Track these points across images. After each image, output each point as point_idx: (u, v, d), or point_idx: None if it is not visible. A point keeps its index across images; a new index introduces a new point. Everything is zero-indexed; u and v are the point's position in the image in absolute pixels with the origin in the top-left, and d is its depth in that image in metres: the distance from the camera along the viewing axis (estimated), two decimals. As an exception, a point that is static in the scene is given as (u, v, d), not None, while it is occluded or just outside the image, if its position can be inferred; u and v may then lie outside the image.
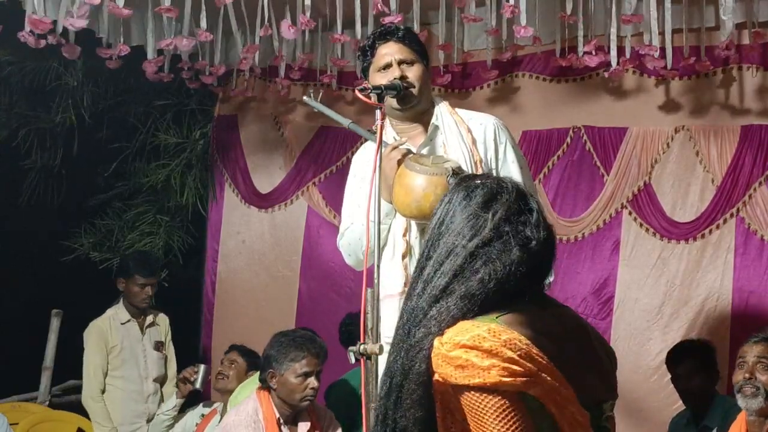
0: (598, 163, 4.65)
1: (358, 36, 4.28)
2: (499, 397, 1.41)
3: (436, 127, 2.87)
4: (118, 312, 4.65)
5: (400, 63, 2.83)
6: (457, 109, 2.94)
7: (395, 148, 2.71)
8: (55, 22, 4.12)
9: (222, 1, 4.04)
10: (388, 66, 2.84)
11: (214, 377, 4.44)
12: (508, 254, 1.54)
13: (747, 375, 3.07)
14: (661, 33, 4.20)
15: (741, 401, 3.09)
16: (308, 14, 4.07)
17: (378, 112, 2.68)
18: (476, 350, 1.42)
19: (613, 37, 4.26)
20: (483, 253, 1.54)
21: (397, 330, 1.56)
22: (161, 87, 5.39)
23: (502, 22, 4.31)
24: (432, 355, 1.45)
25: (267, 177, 5.56)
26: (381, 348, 2.43)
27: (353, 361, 2.46)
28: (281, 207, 5.50)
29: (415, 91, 2.83)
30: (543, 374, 1.45)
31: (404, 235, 2.80)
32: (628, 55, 4.34)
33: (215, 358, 5.43)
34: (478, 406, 1.40)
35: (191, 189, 5.64)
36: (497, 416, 1.40)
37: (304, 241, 5.40)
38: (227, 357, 4.40)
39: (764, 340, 3.14)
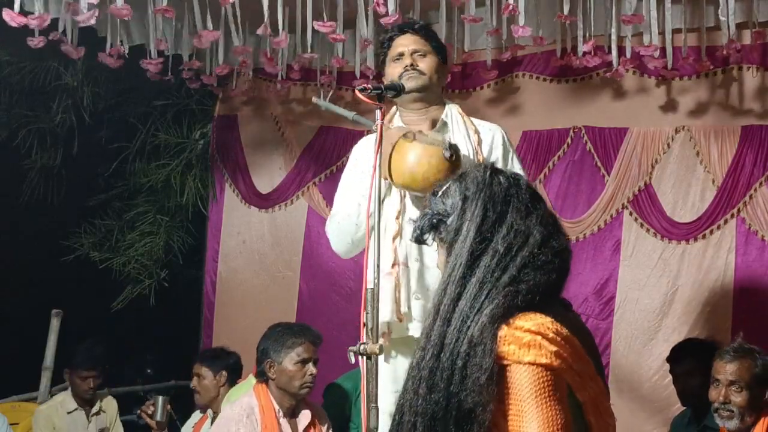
0: (599, 164, 4.65)
1: (358, 36, 4.28)
2: (554, 376, 1.58)
3: (445, 123, 2.92)
4: (65, 400, 4.62)
5: (413, 53, 2.91)
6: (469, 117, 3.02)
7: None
8: (56, 20, 4.12)
9: (226, 0, 4.04)
10: (401, 55, 2.93)
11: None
12: (552, 259, 1.70)
13: (722, 399, 3.13)
14: (661, 33, 4.20)
15: (718, 420, 3.18)
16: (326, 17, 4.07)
17: (378, 112, 2.68)
18: (541, 335, 1.59)
19: (614, 38, 4.26)
20: (537, 255, 1.68)
21: (448, 320, 1.64)
22: (161, 87, 5.39)
23: (502, 22, 4.31)
24: (499, 337, 1.59)
25: (267, 177, 5.56)
26: (381, 348, 2.43)
27: (353, 361, 2.45)
28: (281, 207, 5.50)
29: (424, 77, 2.89)
30: (582, 366, 1.64)
31: (397, 218, 2.84)
32: (628, 55, 4.34)
33: (215, 358, 5.44)
34: (537, 381, 1.56)
35: (191, 189, 5.64)
36: (551, 391, 1.56)
37: (305, 241, 5.39)
38: (193, 371, 4.33)
39: (736, 359, 3.16)
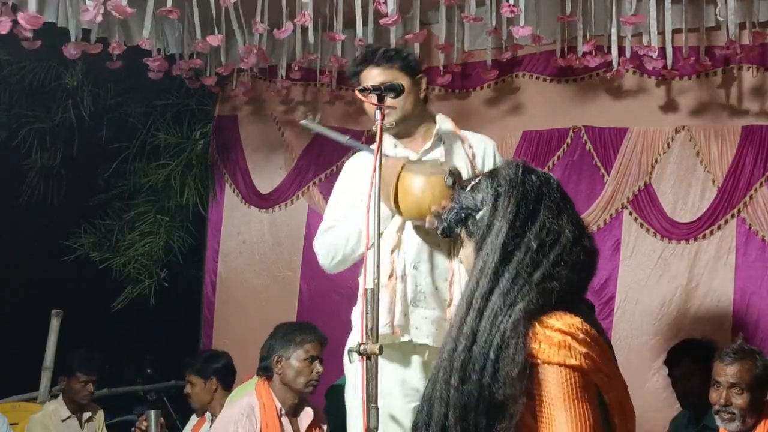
0: (599, 164, 4.65)
1: (359, 36, 4.27)
2: (583, 378, 1.59)
3: (439, 137, 2.93)
4: (58, 408, 4.62)
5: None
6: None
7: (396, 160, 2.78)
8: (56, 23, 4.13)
9: (226, 1, 4.04)
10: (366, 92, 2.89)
11: None
12: (583, 258, 1.72)
13: (723, 401, 3.13)
14: (661, 33, 4.20)
15: (719, 422, 3.17)
16: (309, 11, 4.05)
17: (378, 112, 2.69)
18: (571, 336, 1.61)
19: (614, 38, 4.26)
20: (569, 253, 1.70)
21: (480, 313, 1.65)
22: (161, 87, 5.39)
23: (502, 22, 4.31)
24: (530, 334, 1.60)
25: (267, 177, 5.56)
26: (381, 348, 2.43)
27: (353, 361, 2.45)
28: (282, 207, 5.50)
29: (396, 111, 2.89)
30: (609, 367, 1.67)
31: (398, 231, 2.85)
32: (628, 56, 4.34)
33: (215, 358, 5.44)
34: (567, 382, 1.58)
35: (191, 189, 5.64)
36: (581, 392, 1.58)
37: (305, 241, 5.39)
38: (186, 379, 4.36)
39: (737, 361, 3.16)
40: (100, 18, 3.90)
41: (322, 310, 5.18)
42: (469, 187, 1.82)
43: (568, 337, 1.60)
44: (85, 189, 5.83)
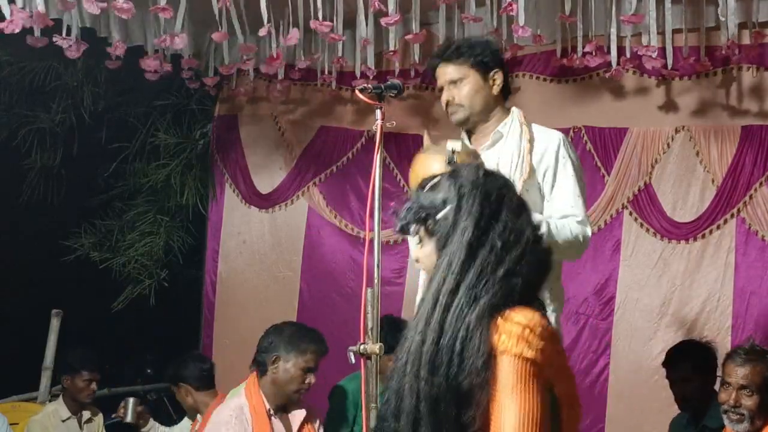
0: (599, 164, 4.65)
1: (359, 36, 4.27)
2: (536, 369, 1.66)
3: (501, 134, 2.93)
4: (58, 409, 4.61)
5: (450, 84, 2.94)
6: (534, 124, 3.00)
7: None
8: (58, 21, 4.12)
9: (224, 1, 4.04)
10: (441, 89, 2.98)
11: None
12: (542, 258, 1.81)
13: (732, 402, 3.13)
14: (661, 33, 4.20)
15: (727, 423, 3.17)
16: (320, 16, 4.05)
17: (378, 112, 2.69)
18: (530, 329, 1.68)
19: (614, 38, 4.26)
20: (530, 252, 1.77)
21: (447, 308, 1.71)
22: (161, 87, 5.39)
23: (502, 22, 4.31)
24: (493, 326, 1.68)
25: (267, 177, 5.56)
26: (381, 348, 2.43)
27: (353, 361, 2.45)
28: (282, 207, 5.50)
29: (464, 109, 2.93)
30: (561, 362, 1.76)
31: None
32: (628, 55, 4.34)
33: (215, 358, 5.43)
34: (519, 372, 1.65)
35: (191, 189, 5.64)
36: (531, 383, 1.65)
37: (305, 241, 5.39)
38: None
39: (748, 362, 3.16)
40: (97, 11, 3.89)
41: (322, 309, 5.19)
42: (428, 187, 1.87)
43: (527, 330, 1.67)
44: (85, 189, 5.82)
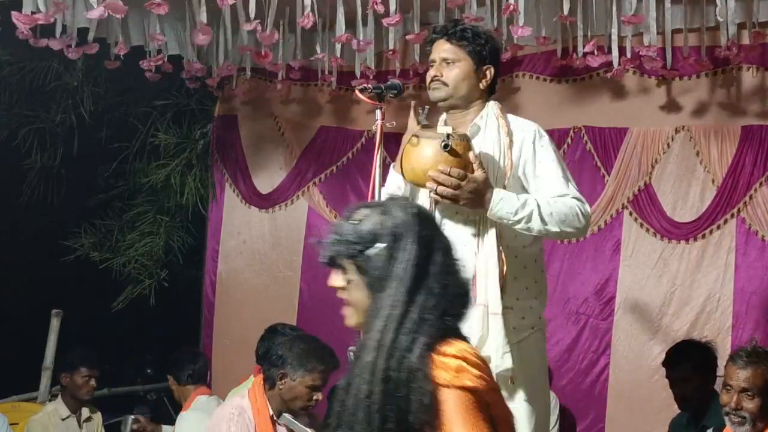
0: (599, 164, 4.65)
1: (359, 36, 4.27)
2: (477, 397, 1.74)
3: (478, 127, 2.89)
4: (58, 408, 4.61)
5: (442, 61, 2.87)
6: (508, 115, 2.95)
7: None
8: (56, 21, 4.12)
9: (225, 1, 4.03)
10: (433, 62, 2.91)
11: None
12: (466, 291, 1.87)
13: (733, 405, 3.13)
14: (661, 33, 4.20)
15: (729, 425, 3.16)
16: (308, 11, 4.03)
17: (378, 112, 2.69)
18: (465, 360, 1.74)
19: (614, 38, 4.26)
20: (462, 288, 1.85)
21: (390, 355, 1.74)
22: (161, 87, 5.39)
23: (502, 22, 4.31)
24: (431, 362, 1.73)
25: (267, 177, 5.56)
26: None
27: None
28: (282, 207, 5.50)
29: (447, 89, 2.86)
30: (494, 385, 1.84)
31: None
32: (628, 56, 4.34)
33: (215, 357, 5.44)
34: (464, 403, 1.72)
35: (191, 189, 5.64)
36: (476, 411, 1.73)
37: (305, 241, 5.39)
38: None
39: (750, 364, 3.15)
40: (101, 12, 3.88)
41: (322, 310, 5.18)
42: (354, 220, 1.87)
43: (462, 362, 1.73)
44: (85, 189, 5.82)
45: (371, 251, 1.82)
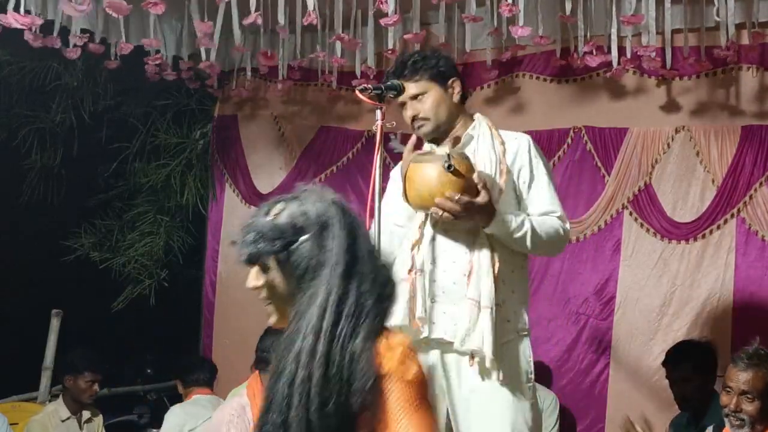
0: (599, 164, 4.65)
1: (359, 36, 4.27)
2: (423, 387, 1.77)
3: (471, 136, 2.92)
4: (58, 409, 4.61)
5: (412, 99, 2.91)
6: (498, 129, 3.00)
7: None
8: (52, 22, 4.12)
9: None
10: (403, 104, 2.94)
11: None
12: (385, 287, 1.85)
13: (733, 407, 3.13)
14: (661, 33, 4.20)
15: (728, 426, 3.16)
16: (311, 9, 4.02)
17: (378, 112, 2.69)
18: (409, 351, 1.77)
19: (614, 38, 4.26)
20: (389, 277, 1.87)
21: (330, 341, 1.75)
22: (161, 87, 5.39)
23: (502, 22, 4.31)
24: (377, 353, 1.74)
25: (267, 177, 5.55)
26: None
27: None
28: (281, 207, 5.49)
29: (430, 122, 2.92)
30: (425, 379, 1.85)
31: (419, 227, 2.84)
32: (628, 55, 4.34)
33: (215, 357, 5.43)
34: (411, 394, 1.73)
35: (191, 189, 5.64)
36: (422, 401, 1.75)
37: (305, 241, 5.38)
38: None
39: (750, 367, 3.15)
40: (85, 9, 3.88)
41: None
42: (271, 215, 1.87)
43: (408, 352, 1.77)
44: (85, 189, 5.83)
45: (297, 243, 1.82)
